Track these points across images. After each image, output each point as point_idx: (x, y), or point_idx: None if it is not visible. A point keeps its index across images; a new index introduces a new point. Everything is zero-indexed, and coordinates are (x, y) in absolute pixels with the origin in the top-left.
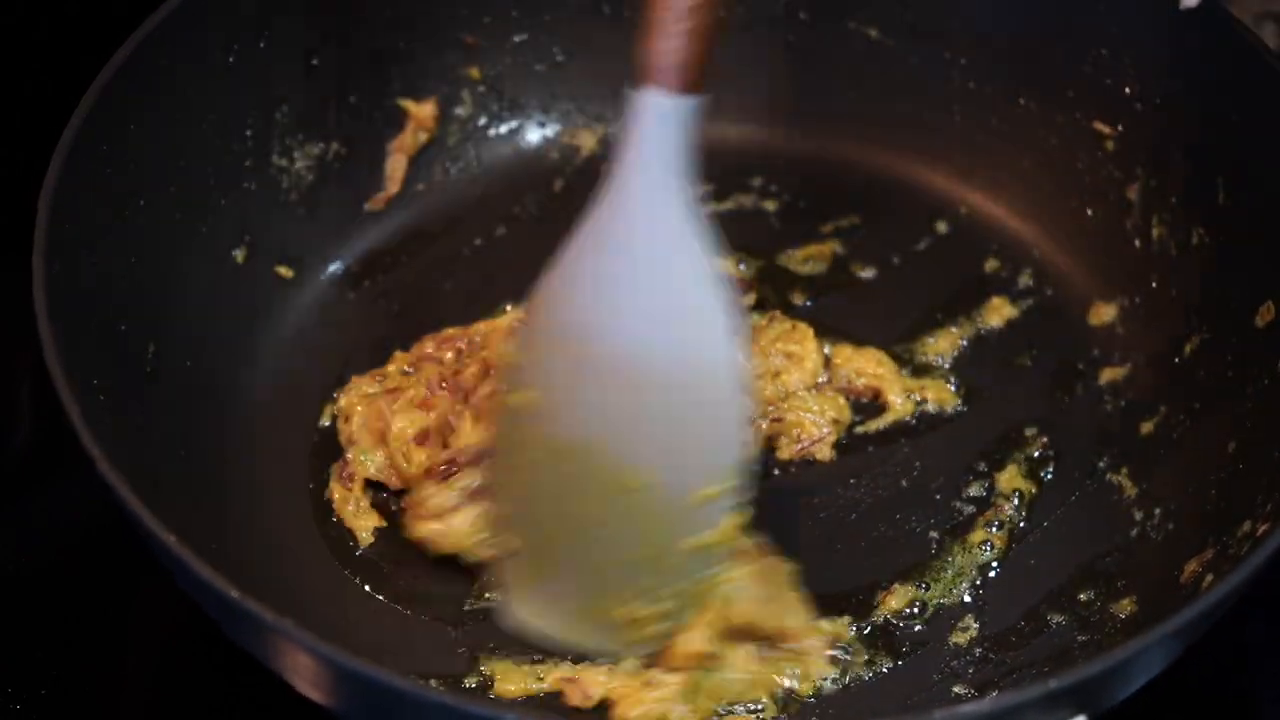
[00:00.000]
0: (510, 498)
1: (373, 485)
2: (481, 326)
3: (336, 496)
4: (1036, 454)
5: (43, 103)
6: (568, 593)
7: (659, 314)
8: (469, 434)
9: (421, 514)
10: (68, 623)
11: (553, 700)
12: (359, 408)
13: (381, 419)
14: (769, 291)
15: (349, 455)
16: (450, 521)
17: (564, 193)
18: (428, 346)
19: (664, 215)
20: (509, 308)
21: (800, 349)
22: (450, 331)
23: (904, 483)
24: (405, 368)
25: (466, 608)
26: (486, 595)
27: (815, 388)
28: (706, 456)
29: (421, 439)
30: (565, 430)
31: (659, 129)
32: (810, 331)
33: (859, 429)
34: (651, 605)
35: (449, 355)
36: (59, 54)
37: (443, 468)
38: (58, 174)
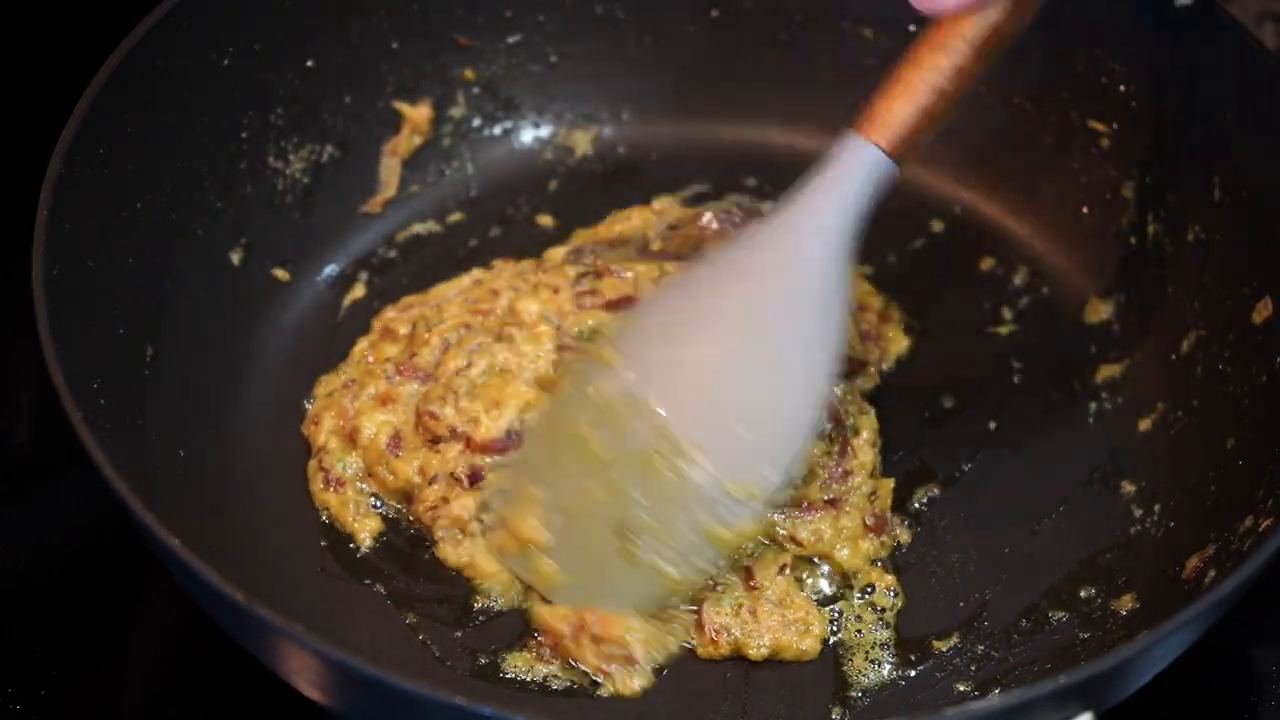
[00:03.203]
0: (542, 470)
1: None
2: (440, 290)
3: (334, 502)
4: (1034, 451)
5: (40, 104)
6: (596, 562)
7: (776, 328)
8: (488, 428)
9: (446, 523)
10: (68, 623)
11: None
12: (328, 413)
13: (345, 417)
14: None
15: (325, 464)
16: (475, 553)
17: (558, 193)
18: (388, 314)
19: (820, 254)
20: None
21: None
22: (409, 299)
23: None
24: (366, 352)
25: (470, 609)
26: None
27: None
28: (757, 459)
29: (395, 444)
30: (635, 389)
31: (852, 178)
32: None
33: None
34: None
35: (404, 330)
36: (55, 56)
37: (468, 476)
38: (55, 176)
